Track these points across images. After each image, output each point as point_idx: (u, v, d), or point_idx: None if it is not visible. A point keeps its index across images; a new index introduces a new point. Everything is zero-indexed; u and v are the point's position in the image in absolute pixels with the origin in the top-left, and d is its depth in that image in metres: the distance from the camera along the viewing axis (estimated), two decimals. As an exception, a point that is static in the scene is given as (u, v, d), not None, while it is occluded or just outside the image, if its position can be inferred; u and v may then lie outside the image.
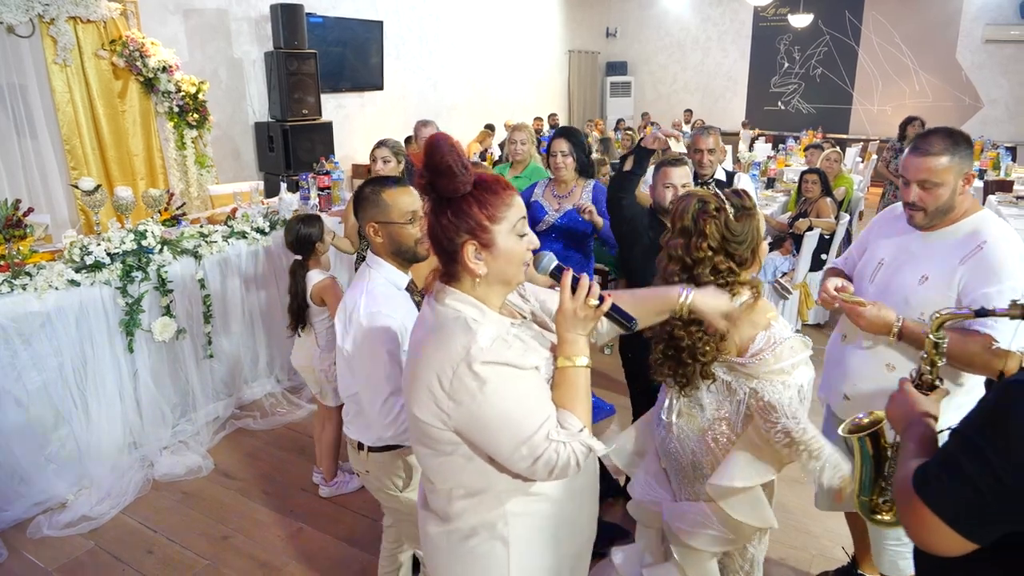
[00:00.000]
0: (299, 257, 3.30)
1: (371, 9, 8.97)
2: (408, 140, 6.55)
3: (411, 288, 2.15)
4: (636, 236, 2.89)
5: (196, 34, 6.85)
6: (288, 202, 4.74)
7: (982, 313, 1.46)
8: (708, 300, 1.61)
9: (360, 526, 3.22)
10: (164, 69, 5.67)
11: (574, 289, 1.37)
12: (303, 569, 2.97)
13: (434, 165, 1.29)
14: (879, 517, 1.66)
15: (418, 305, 2.14)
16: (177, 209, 4.51)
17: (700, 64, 15.01)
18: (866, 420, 1.63)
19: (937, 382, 1.54)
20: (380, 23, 8.94)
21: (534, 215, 3.64)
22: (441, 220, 1.34)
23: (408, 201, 2.06)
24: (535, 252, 1.43)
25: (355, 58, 8.72)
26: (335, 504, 3.40)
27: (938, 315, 1.52)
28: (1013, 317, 1.40)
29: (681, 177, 2.86)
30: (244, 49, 7.38)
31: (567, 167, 3.67)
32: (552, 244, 3.61)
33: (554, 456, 1.30)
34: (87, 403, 3.51)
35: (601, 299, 1.38)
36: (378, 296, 1.99)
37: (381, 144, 4.07)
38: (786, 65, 14.18)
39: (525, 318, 1.52)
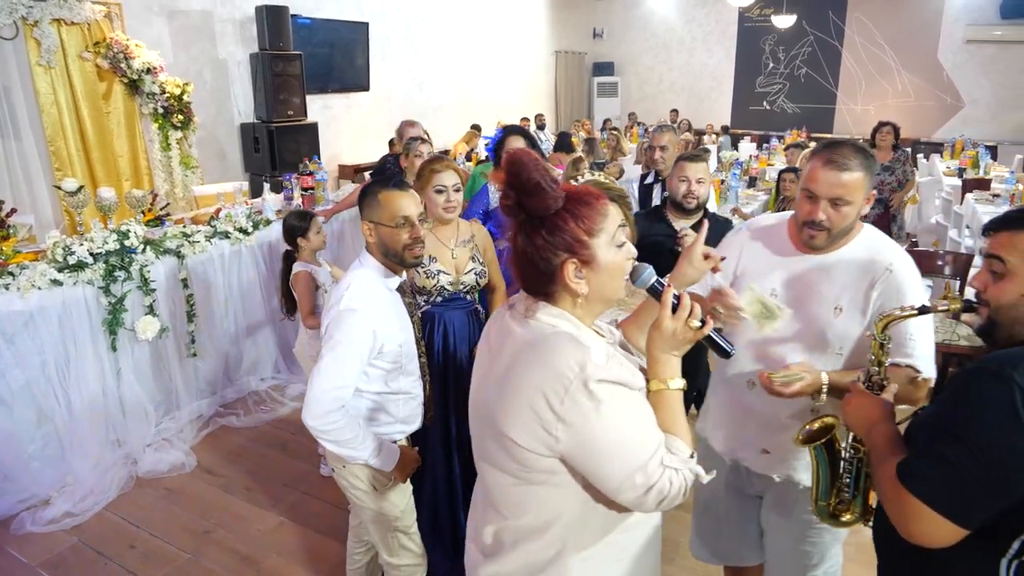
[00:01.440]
0: (289, 248, 3.57)
1: (356, 11, 9.01)
2: (392, 142, 6.59)
3: (402, 289, 2.14)
4: (659, 251, 2.92)
5: (181, 35, 6.88)
6: (271, 202, 4.79)
7: (924, 311, 1.48)
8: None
9: (340, 519, 3.28)
10: (148, 71, 5.70)
11: (674, 308, 1.29)
12: (283, 562, 3.03)
13: (521, 184, 1.21)
14: (843, 519, 1.68)
15: (409, 308, 2.18)
16: (161, 210, 4.55)
17: (686, 64, 15.11)
18: (817, 426, 1.65)
19: (885, 381, 1.55)
20: (366, 24, 8.98)
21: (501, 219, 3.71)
22: (535, 241, 1.24)
23: (401, 205, 2.02)
24: (634, 263, 1.34)
25: (341, 59, 8.76)
26: (315, 498, 3.45)
27: (882, 317, 1.51)
28: (952, 311, 1.44)
29: (696, 172, 2.97)
30: (229, 50, 7.41)
31: None
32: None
33: (667, 485, 1.21)
34: (70, 401, 3.56)
35: (703, 321, 1.29)
36: (363, 293, 1.97)
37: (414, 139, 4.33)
38: (771, 65, 14.30)
39: (604, 337, 1.40)
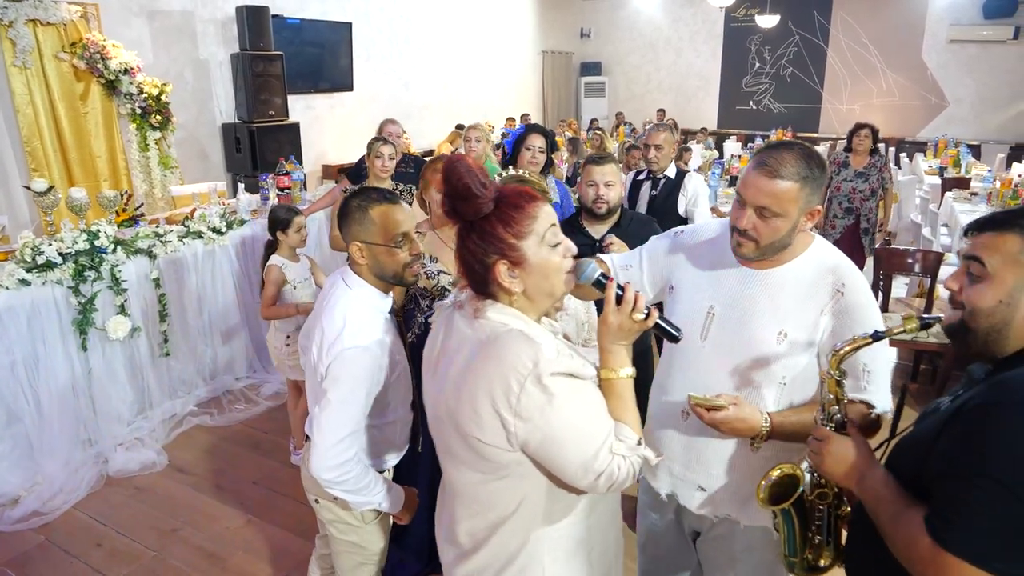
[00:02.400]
0: (272, 239, 3.66)
1: (339, 11, 9.02)
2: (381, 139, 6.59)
3: (393, 310, 1.98)
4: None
5: (161, 36, 6.88)
6: (244, 202, 4.80)
7: (878, 337, 1.35)
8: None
9: (307, 515, 3.29)
10: (126, 71, 5.70)
11: (619, 300, 1.33)
12: (249, 559, 3.05)
13: (453, 189, 1.27)
14: (820, 565, 1.53)
15: (400, 329, 2.04)
16: (136, 210, 4.56)
17: (673, 64, 15.16)
18: (775, 475, 1.48)
19: (846, 419, 1.40)
20: (349, 24, 8.99)
21: None
22: (468, 244, 1.30)
23: (398, 221, 1.85)
24: (577, 260, 1.37)
25: (324, 60, 8.77)
26: (284, 495, 3.47)
27: (834, 352, 1.37)
28: (910, 331, 1.31)
29: (603, 175, 2.85)
30: (210, 50, 7.41)
31: (540, 163, 3.80)
32: None
33: (616, 470, 1.27)
34: (40, 401, 3.57)
35: (647, 312, 1.34)
36: (363, 325, 1.80)
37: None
38: (757, 65, 14.35)
39: (555, 334, 1.41)
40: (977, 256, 1.20)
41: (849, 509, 1.48)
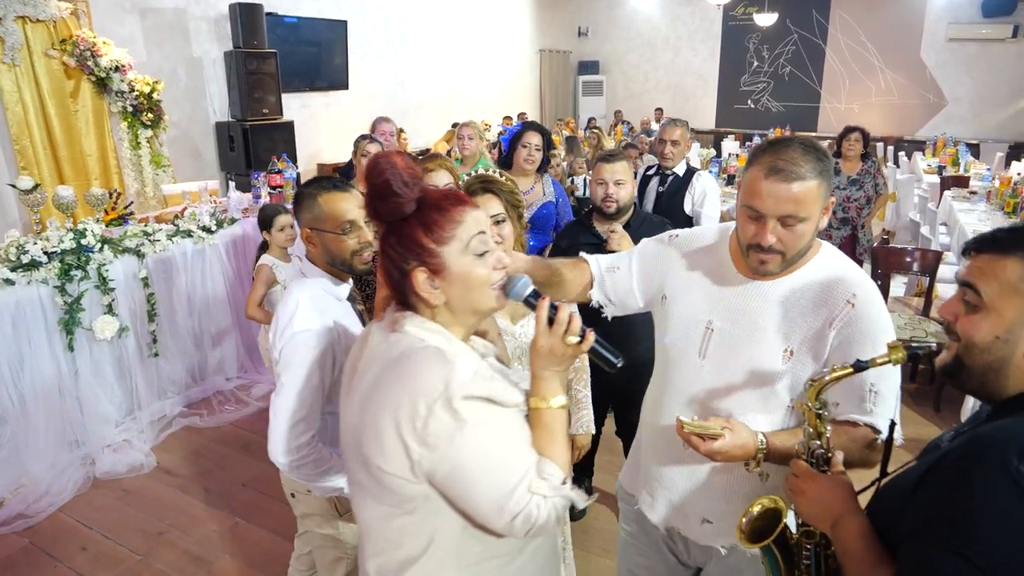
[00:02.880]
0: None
1: (334, 9, 8.97)
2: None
3: (352, 297, 2.00)
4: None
5: (154, 33, 6.83)
6: (236, 201, 4.75)
7: (860, 367, 1.21)
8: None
9: (294, 519, 3.25)
10: (117, 69, 5.65)
11: (551, 321, 1.20)
12: (235, 563, 3.00)
13: (372, 187, 1.17)
14: None
15: (361, 316, 2.02)
16: (125, 209, 4.51)
17: (671, 63, 15.11)
18: (757, 509, 1.35)
19: (829, 454, 1.29)
20: (344, 23, 8.94)
21: None
22: (387, 249, 1.20)
23: (345, 208, 1.87)
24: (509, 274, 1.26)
25: (319, 58, 8.72)
26: (273, 498, 3.42)
27: (812, 383, 1.26)
28: (896, 362, 1.18)
29: (613, 173, 2.78)
30: (204, 48, 7.36)
31: (536, 161, 3.76)
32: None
33: (534, 511, 1.13)
34: (25, 402, 3.52)
35: (583, 334, 1.21)
36: (315, 310, 1.80)
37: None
38: (755, 64, 14.31)
39: (484, 355, 1.32)
40: (972, 284, 1.07)
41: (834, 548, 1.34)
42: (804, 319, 1.43)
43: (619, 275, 1.69)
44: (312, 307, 1.79)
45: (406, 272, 1.19)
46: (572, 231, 2.97)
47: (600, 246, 2.77)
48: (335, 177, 2.10)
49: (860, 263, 5.20)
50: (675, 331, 1.57)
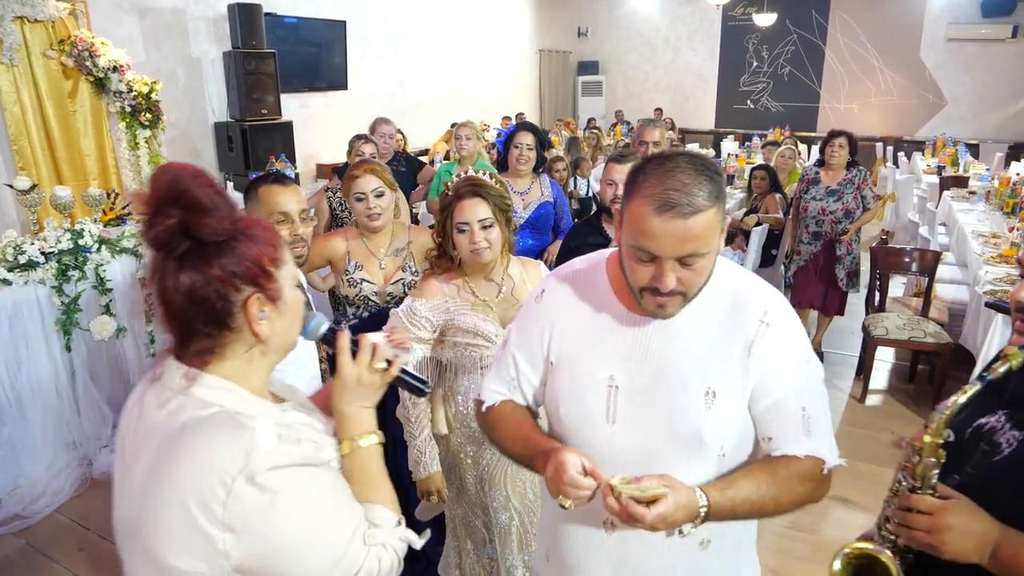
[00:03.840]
0: None
1: (334, 9, 8.97)
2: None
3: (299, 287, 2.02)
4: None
5: (152, 34, 6.82)
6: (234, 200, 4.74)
7: (985, 380, 1.12)
8: None
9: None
10: (115, 69, 5.64)
11: (354, 352, 1.13)
12: (232, 564, 2.99)
13: (191, 201, 0.96)
14: None
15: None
16: (123, 209, 4.50)
17: (671, 63, 15.11)
18: (856, 553, 1.18)
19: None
20: (343, 23, 8.94)
21: None
22: (210, 272, 0.98)
23: (280, 200, 1.94)
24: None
25: (318, 58, 8.72)
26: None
27: (944, 412, 1.13)
28: (1016, 367, 1.11)
29: (623, 174, 2.64)
30: (203, 48, 7.36)
31: (530, 161, 3.75)
32: (523, 240, 3.69)
33: (375, 564, 1.04)
34: (22, 402, 3.51)
35: (389, 361, 1.15)
36: None
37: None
38: (755, 64, 14.31)
39: (286, 400, 1.17)
40: None
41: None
42: (718, 352, 1.23)
43: (516, 385, 1.43)
44: None
45: (233, 301, 1.00)
46: (581, 232, 2.97)
47: (605, 247, 2.74)
48: (279, 173, 2.19)
49: (838, 282, 4.81)
50: (571, 399, 1.31)
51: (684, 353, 1.25)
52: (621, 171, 2.73)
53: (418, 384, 1.21)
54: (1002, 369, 1.11)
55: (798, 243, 4.94)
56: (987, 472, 1.16)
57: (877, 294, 4.71)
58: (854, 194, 4.65)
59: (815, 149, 10.72)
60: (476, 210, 1.96)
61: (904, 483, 1.16)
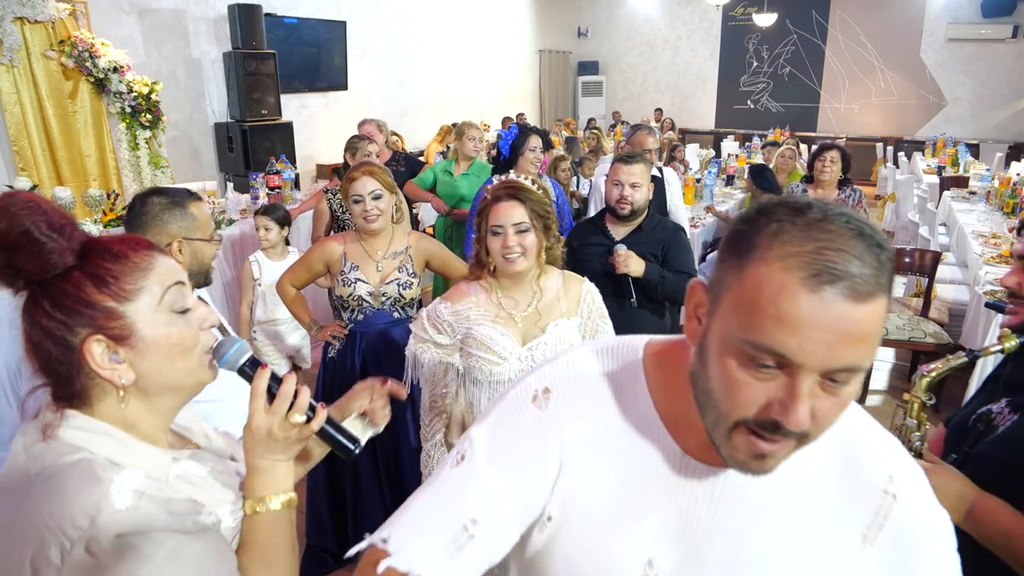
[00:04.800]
0: None
1: (334, 9, 8.97)
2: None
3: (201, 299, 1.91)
4: (591, 263, 2.73)
5: (152, 34, 6.83)
6: (234, 201, 4.75)
7: (974, 357, 1.25)
8: None
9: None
10: (115, 69, 5.65)
11: (272, 396, 0.97)
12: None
13: (7, 238, 0.85)
14: None
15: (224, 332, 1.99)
16: (123, 209, 4.51)
17: (670, 63, 15.12)
18: None
19: (924, 448, 1.26)
20: (343, 23, 8.94)
21: None
22: (39, 318, 0.88)
23: (208, 215, 1.89)
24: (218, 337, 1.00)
25: (318, 58, 8.72)
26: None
27: (925, 375, 1.25)
28: (1008, 350, 1.22)
29: (630, 175, 2.73)
30: (203, 49, 7.36)
31: (539, 163, 3.80)
32: None
33: None
34: (23, 405, 3.51)
35: (312, 412, 0.99)
36: None
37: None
38: (755, 64, 14.31)
39: (198, 446, 1.06)
40: None
41: None
42: (823, 538, 0.81)
43: (485, 527, 0.80)
44: None
45: (73, 346, 0.88)
46: (584, 231, 2.97)
47: (609, 248, 2.72)
48: (179, 187, 2.09)
49: None
50: None
51: (770, 537, 0.80)
52: (629, 172, 2.73)
53: (346, 443, 1.03)
54: (995, 349, 1.21)
55: None
56: (981, 448, 1.24)
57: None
58: None
59: (814, 150, 10.80)
60: (512, 213, 1.90)
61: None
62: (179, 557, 0.84)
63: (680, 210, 3.93)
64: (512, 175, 2.02)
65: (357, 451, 1.04)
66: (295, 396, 0.97)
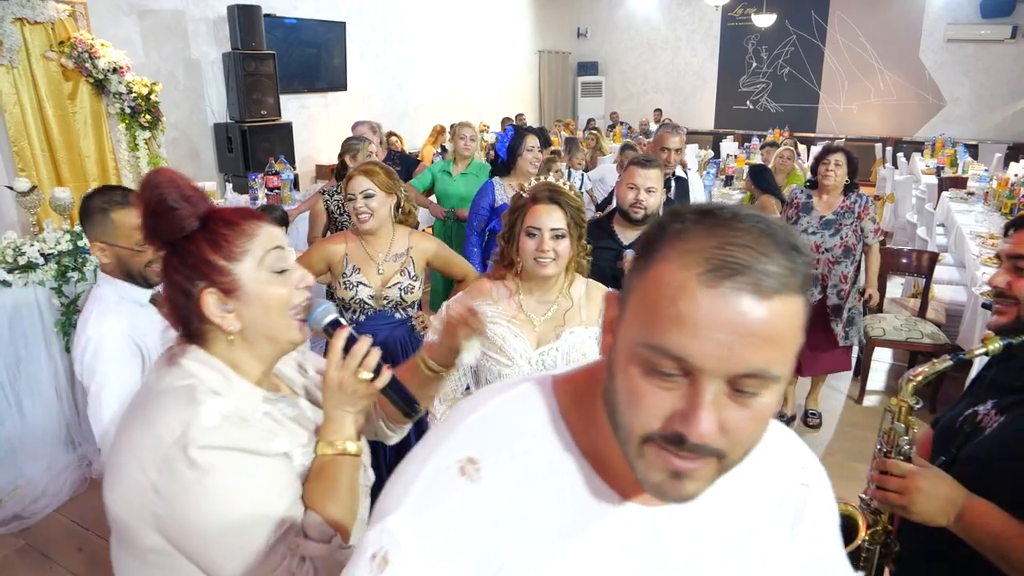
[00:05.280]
0: None
1: (333, 10, 8.99)
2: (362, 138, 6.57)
3: (156, 301, 1.96)
4: (599, 266, 2.67)
5: (152, 35, 6.84)
6: (233, 202, 4.76)
7: (959, 360, 1.28)
8: None
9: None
10: (115, 70, 5.65)
11: (347, 352, 1.13)
12: (231, 564, 3.00)
13: (147, 204, 1.05)
14: None
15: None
16: (122, 210, 4.52)
17: (670, 64, 15.13)
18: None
19: (912, 451, 1.27)
20: (343, 24, 8.96)
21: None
22: (171, 273, 1.09)
23: (137, 224, 1.95)
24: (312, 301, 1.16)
25: (318, 59, 8.73)
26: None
27: (911, 379, 1.28)
28: (992, 352, 1.26)
29: (646, 179, 2.67)
30: (202, 50, 7.37)
31: (538, 163, 3.81)
32: None
33: None
34: (21, 403, 3.52)
35: (378, 371, 1.13)
36: (107, 313, 1.83)
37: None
38: (754, 64, 14.33)
39: (297, 393, 1.23)
40: (1022, 254, 1.24)
41: (897, 548, 1.37)
42: (764, 543, 0.79)
43: None
44: (106, 311, 1.84)
45: (193, 295, 1.07)
46: (591, 233, 2.90)
47: (618, 252, 2.70)
48: (123, 188, 2.09)
49: (844, 353, 3.91)
50: None
51: (708, 551, 0.75)
52: (645, 176, 2.66)
53: (407, 404, 1.17)
54: (979, 352, 1.23)
55: None
56: (969, 451, 1.25)
57: (875, 295, 4.72)
58: (854, 226, 3.66)
59: (815, 150, 10.79)
60: (552, 217, 1.85)
61: (882, 448, 1.26)
62: (250, 474, 1.02)
63: None
64: (548, 176, 1.97)
65: (416, 411, 1.19)
66: (366, 355, 1.12)
